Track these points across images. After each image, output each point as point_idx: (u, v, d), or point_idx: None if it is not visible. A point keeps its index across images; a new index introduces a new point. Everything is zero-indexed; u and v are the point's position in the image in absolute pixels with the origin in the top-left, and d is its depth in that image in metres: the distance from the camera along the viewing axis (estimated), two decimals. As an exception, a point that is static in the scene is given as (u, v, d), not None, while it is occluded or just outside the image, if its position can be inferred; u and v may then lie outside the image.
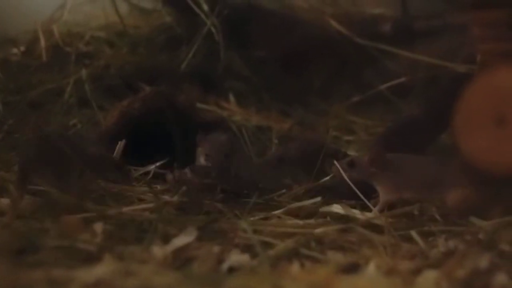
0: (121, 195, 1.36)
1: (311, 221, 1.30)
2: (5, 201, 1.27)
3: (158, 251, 1.10)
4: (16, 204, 1.23)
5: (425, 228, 1.27)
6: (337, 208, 1.34)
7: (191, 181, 1.38)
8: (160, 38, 1.98)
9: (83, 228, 1.16)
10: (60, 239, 1.10)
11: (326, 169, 1.44)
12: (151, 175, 1.48)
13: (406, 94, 1.86)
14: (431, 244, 1.21)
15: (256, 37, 1.95)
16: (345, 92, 1.94)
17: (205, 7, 1.87)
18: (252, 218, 1.29)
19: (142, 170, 1.48)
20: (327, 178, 1.43)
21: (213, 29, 1.86)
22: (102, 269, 0.99)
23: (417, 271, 1.08)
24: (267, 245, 1.17)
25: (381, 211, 1.33)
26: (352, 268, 1.10)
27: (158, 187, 1.43)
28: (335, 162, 1.37)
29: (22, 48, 1.95)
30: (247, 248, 1.16)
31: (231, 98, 1.89)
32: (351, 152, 1.62)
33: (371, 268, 1.09)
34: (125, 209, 1.28)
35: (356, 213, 1.32)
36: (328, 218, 1.32)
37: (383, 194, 1.34)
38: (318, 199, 1.37)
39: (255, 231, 1.20)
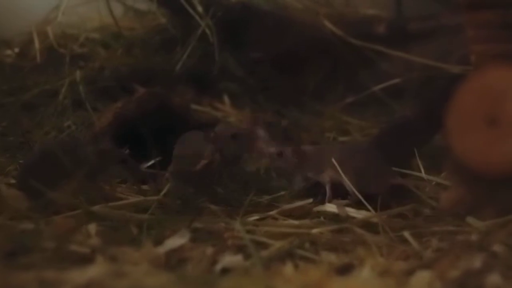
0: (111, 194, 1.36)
1: (306, 221, 1.30)
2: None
3: (151, 252, 1.10)
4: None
5: (420, 230, 1.27)
6: (330, 208, 1.34)
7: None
8: (155, 39, 1.98)
9: (75, 229, 1.16)
10: (53, 241, 1.10)
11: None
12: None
13: (401, 95, 1.86)
14: (425, 244, 1.21)
15: (251, 38, 1.95)
16: (339, 93, 1.94)
17: (200, 8, 1.87)
18: (248, 219, 1.29)
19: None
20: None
21: (207, 31, 1.86)
22: (94, 270, 0.99)
23: (410, 272, 1.08)
24: (261, 246, 1.17)
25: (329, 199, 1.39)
26: (346, 269, 1.10)
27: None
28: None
29: (17, 50, 1.96)
30: (240, 249, 1.16)
31: (226, 99, 1.89)
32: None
33: (365, 268, 1.09)
34: (111, 204, 1.29)
35: (351, 212, 1.32)
36: (322, 218, 1.32)
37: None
38: (310, 200, 1.38)
39: (249, 232, 1.20)
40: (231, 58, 1.93)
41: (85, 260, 1.06)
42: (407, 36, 1.94)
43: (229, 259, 1.11)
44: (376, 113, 1.89)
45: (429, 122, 1.58)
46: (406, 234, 1.23)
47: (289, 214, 1.34)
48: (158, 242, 1.15)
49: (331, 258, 1.15)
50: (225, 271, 1.09)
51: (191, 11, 1.87)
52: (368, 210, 1.32)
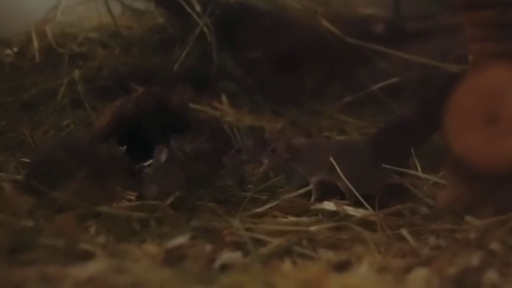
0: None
1: (304, 218, 1.30)
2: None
3: (151, 249, 1.10)
4: None
5: (417, 228, 1.27)
6: (328, 205, 1.35)
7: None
8: (153, 39, 1.98)
9: (77, 226, 1.16)
10: (54, 237, 1.11)
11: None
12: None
13: (398, 94, 1.86)
14: (422, 242, 1.21)
15: (249, 38, 1.95)
16: (337, 93, 1.95)
17: (198, 7, 1.87)
18: (246, 215, 1.30)
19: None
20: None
21: (205, 30, 1.86)
22: (95, 266, 1.00)
23: (408, 269, 1.09)
24: (260, 243, 1.17)
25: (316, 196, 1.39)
26: (344, 266, 1.10)
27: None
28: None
29: (15, 49, 1.96)
30: (239, 246, 1.16)
31: (224, 98, 1.89)
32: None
33: (363, 265, 1.09)
34: (116, 205, 1.29)
35: (349, 210, 1.33)
36: (320, 216, 1.32)
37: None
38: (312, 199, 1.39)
39: (247, 229, 1.20)
40: (229, 58, 1.94)
41: (86, 256, 1.07)
42: (405, 35, 1.94)
43: (228, 256, 1.12)
44: (374, 112, 1.89)
45: (426, 121, 1.59)
46: (404, 232, 1.23)
47: (286, 212, 1.34)
48: (158, 239, 1.15)
49: (328, 255, 1.16)
50: (224, 268, 1.09)
51: (189, 10, 1.87)
52: (365, 208, 1.33)
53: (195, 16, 1.87)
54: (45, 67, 1.88)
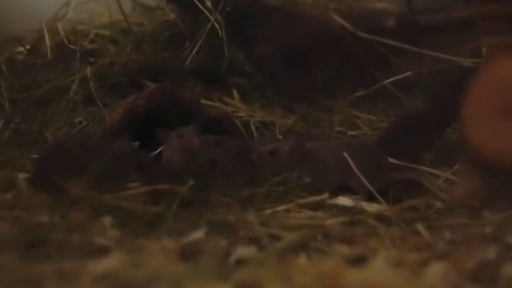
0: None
1: (319, 213, 1.30)
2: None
3: (167, 244, 1.10)
4: None
5: (432, 223, 1.27)
6: (343, 201, 1.35)
7: None
8: (164, 35, 1.98)
9: (90, 221, 1.16)
10: (69, 233, 1.11)
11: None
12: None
13: (411, 88, 1.85)
14: (438, 236, 1.21)
15: (260, 33, 1.95)
16: (349, 87, 1.94)
17: (209, 3, 1.87)
18: (262, 212, 1.30)
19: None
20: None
21: (216, 26, 1.86)
22: (110, 262, 1.00)
23: (424, 263, 1.08)
24: (275, 238, 1.17)
25: None
26: (360, 260, 1.10)
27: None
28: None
29: (28, 47, 1.96)
30: (253, 241, 1.16)
31: (235, 94, 1.89)
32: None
33: (378, 260, 1.09)
34: (123, 193, 1.29)
35: (364, 204, 1.32)
36: (334, 211, 1.32)
37: None
38: (326, 195, 1.38)
39: (262, 224, 1.20)
40: (240, 53, 1.93)
41: (102, 251, 1.07)
42: (417, 29, 1.94)
43: (243, 251, 1.11)
44: (386, 107, 1.89)
45: (439, 116, 1.58)
46: (419, 226, 1.23)
47: (302, 207, 1.34)
48: (174, 234, 1.15)
49: (344, 250, 1.15)
50: (239, 262, 1.09)
51: (200, 6, 1.87)
52: (379, 203, 1.33)
53: (206, 12, 1.87)
54: (57, 64, 1.88)
